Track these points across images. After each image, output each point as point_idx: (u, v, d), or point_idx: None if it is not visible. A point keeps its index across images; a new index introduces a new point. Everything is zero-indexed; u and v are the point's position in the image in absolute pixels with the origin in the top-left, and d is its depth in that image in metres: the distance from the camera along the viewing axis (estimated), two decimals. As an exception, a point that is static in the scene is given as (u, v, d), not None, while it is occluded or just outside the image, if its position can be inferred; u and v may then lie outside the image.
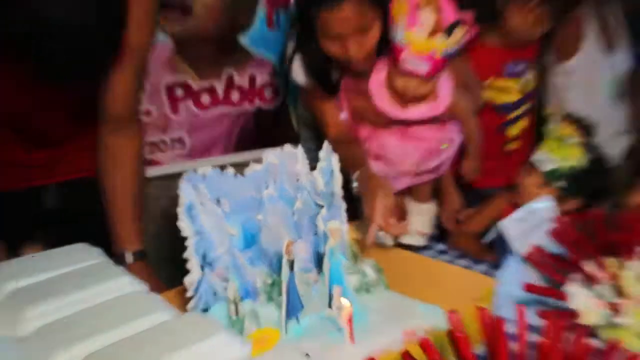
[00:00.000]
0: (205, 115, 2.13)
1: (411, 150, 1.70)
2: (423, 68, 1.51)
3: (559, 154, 1.60)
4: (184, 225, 1.10)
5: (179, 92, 2.05)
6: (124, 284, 0.94)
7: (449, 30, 1.47)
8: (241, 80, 2.17)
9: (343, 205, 1.27)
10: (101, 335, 0.78)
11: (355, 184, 1.50)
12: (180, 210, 1.10)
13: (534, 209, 1.35)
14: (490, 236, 1.33)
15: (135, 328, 0.81)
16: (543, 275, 1.28)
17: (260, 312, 1.10)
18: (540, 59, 2.01)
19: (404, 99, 1.61)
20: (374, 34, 1.54)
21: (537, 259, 1.17)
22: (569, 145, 1.61)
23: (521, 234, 1.30)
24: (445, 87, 1.64)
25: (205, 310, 1.11)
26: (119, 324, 0.81)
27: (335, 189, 1.25)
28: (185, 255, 1.11)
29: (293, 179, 1.23)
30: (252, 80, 2.19)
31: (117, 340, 0.78)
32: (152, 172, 2.00)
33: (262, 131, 2.25)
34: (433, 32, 1.47)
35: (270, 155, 1.23)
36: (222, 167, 1.19)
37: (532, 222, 1.32)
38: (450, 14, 1.51)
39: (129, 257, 1.45)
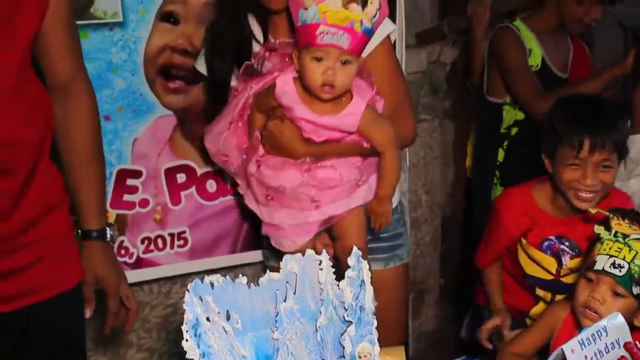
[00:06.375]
0: (212, 207, 2.19)
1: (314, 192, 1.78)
2: (344, 40, 1.63)
3: (626, 255, 1.60)
4: (189, 346, 1.15)
5: (181, 177, 2.14)
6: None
7: (364, 1, 1.63)
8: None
9: (374, 323, 1.33)
10: None
11: None
12: (185, 328, 1.15)
13: (605, 327, 1.39)
14: (550, 362, 1.38)
15: None
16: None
17: None
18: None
19: (321, 90, 1.69)
20: None
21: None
22: (634, 243, 1.62)
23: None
24: (359, 97, 1.75)
25: None
26: None
27: (366, 303, 1.30)
28: (189, 381, 1.16)
29: (316, 290, 1.30)
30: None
31: None
32: (147, 274, 2.06)
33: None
34: (347, 2, 1.61)
35: (290, 261, 1.30)
36: (231, 272, 1.25)
37: (603, 344, 1.36)
38: None
39: (107, 235, 1.64)
